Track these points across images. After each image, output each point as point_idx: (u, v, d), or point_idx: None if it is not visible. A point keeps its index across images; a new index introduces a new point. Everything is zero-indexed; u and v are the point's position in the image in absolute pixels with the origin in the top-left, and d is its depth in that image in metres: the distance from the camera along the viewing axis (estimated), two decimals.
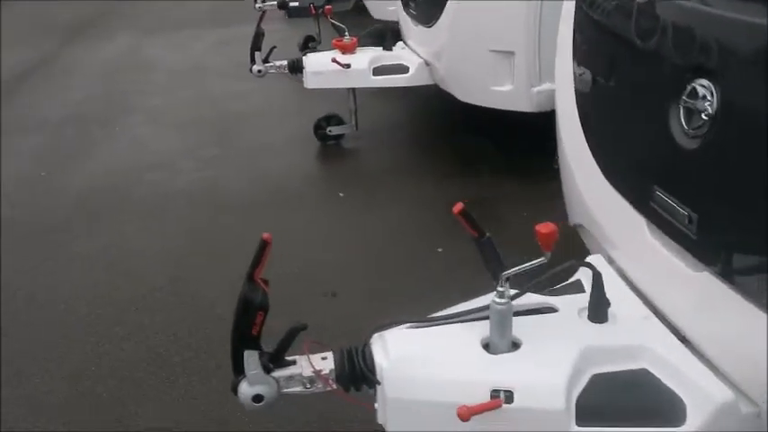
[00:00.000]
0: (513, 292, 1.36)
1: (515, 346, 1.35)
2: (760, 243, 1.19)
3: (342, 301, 2.52)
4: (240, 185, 3.57)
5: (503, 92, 3.13)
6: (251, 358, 1.27)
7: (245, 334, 1.27)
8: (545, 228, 1.24)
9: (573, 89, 1.89)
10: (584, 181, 1.83)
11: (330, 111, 3.99)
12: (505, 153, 3.71)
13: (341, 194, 3.43)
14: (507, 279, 1.31)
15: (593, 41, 1.82)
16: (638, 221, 1.54)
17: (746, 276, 1.22)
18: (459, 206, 1.39)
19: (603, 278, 1.60)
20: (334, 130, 3.96)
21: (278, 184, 3.56)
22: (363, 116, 4.01)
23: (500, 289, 1.32)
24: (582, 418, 1.29)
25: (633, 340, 1.39)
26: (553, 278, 1.47)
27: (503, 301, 1.32)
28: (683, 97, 1.35)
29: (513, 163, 3.54)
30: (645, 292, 1.53)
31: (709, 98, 1.29)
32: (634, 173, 1.58)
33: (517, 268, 1.30)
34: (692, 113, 1.33)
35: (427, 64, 3.65)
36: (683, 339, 1.39)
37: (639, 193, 1.53)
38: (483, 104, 3.27)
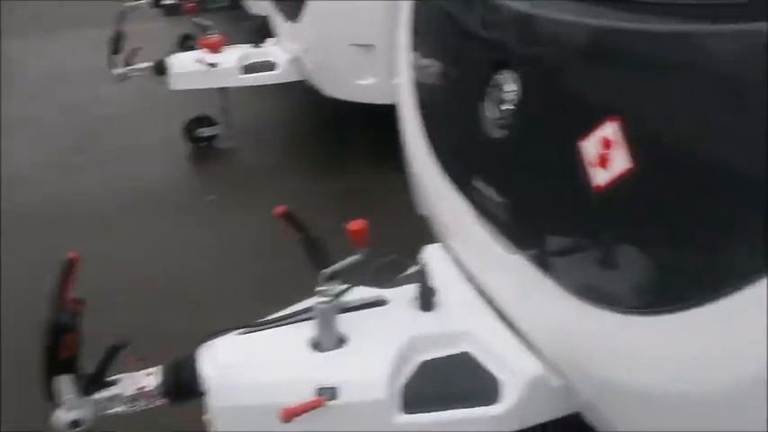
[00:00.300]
0: (341, 288, 1.38)
1: (342, 342, 1.37)
2: (560, 228, 1.26)
3: (210, 308, 2.47)
4: (108, 194, 3.44)
5: (366, 85, 3.17)
6: (64, 383, 1.23)
7: (55, 359, 1.23)
8: (355, 225, 1.26)
9: (410, 81, 1.93)
10: (422, 171, 1.87)
11: (201, 112, 3.90)
12: (384, 145, 3.75)
13: (211, 198, 3.37)
14: (327, 278, 1.33)
15: (423, 34, 1.87)
16: (465, 209, 1.59)
17: (551, 258, 1.28)
18: (280, 209, 1.39)
19: (440, 266, 1.66)
20: (206, 132, 3.88)
21: (147, 191, 3.45)
22: (240, 115, 3.95)
23: (321, 288, 1.33)
24: (410, 406, 1.33)
25: (458, 325, 1.44)
26: (381, 272, 1.51)
27: (325, 299, 1.33)
28: (489, 87, 1.41)
29: (392, 154, 3.58)
30: (475, 278, 1.59)
31: (511, 88, 1.35)
32: (459, 161, 1.64)
33: (335, 266, 1.31)
34: (497, 103, 1.39)
35: (297, 60, 3.64)
36: (506, 321, 1.45)
37: (463, 180, 1.58)
38: (348, 98, 3.29)
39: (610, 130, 1.06)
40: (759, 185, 0.86)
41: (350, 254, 1.35)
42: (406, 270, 1.65)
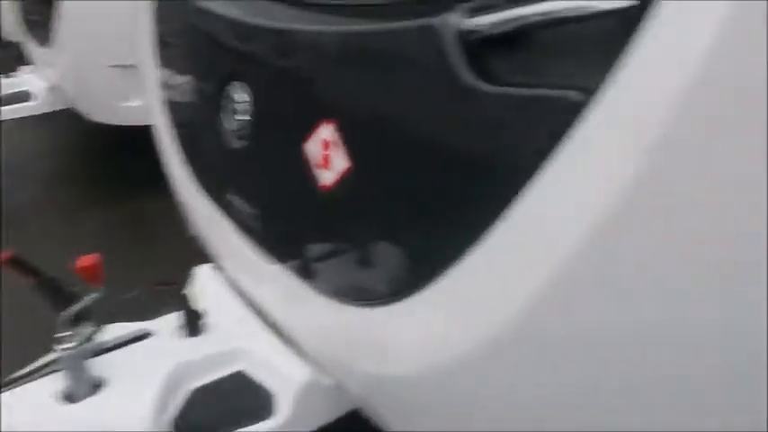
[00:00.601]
0: (89, 330, 1.28)
1: (99, 386, 1.27)
2: (302, 233, 1.26)
3: None
4: None
5: (134, 107, 3.00)
6: None
7: None
8: (84, 261, 1.17)
9: (158, 97, 1.86)
10: (183, 190, 1.81)
11: None
12: (158, 167, 3.59)
13: None
14: (70, 322, 1.22)
15: (165, 49, 1.80)
16: (225, 224, 1.55)
17: (302, 263, 1.28)
18: (5, 255, 1.25)
19: (210, 287, 1.60)
20: None
21: None
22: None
23: (63, 334, 1.22)
24: None
25: (229, 344, 1.40)
26: (142, 304, 1.43)
27: (68, 345, 1.23)
28: (224, 100, 1.38)
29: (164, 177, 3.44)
30: (245, 293, 1.56)
31: (242, 99, 1.33)
32: (211, 177, 1.60)
33: (73, 308, 1.21)
34: (233, 114, 1.37)
35: (57, 87, 3.36)
36: (277, 332, 1.44)
37: (219, 195, 1.54)
38: (118, 122, 3.10)
39: (327, 131, 1.08)
40: (454, 175, 0.91)
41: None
42: (171, 298, 1.58)
